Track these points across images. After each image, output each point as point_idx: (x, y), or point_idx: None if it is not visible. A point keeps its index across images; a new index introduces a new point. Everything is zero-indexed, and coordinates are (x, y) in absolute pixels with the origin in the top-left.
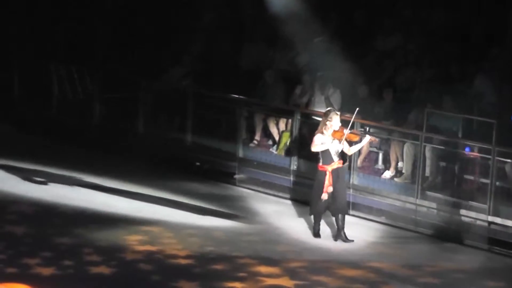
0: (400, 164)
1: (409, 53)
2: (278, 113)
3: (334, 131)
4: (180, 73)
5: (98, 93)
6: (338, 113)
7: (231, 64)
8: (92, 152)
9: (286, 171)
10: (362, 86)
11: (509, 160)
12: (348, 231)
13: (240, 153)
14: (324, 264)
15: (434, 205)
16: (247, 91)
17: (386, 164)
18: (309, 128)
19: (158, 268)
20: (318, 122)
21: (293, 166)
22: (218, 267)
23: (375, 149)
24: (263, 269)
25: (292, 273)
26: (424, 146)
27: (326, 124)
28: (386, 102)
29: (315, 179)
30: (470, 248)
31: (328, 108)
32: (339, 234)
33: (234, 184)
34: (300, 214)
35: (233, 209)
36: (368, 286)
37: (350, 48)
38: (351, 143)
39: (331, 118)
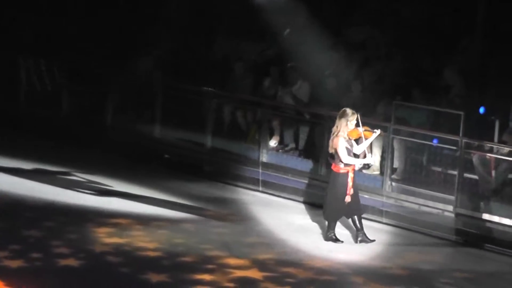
0: (368, 156)
1: (378, 45)
2: (247, 105)
3: (349, 130)
4: (149, 65)
5: (66, 85)
6: (354, 111)
7: (201, 56)
8: (60, 144)
9: (255, 163)
10: (330, 78)
11: (476, 152)
12: (315, 224)
13: (209, 145)
14: (294, 256)
15: (402, 196)
16: (218, 83)
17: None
18: (278, 120)
19: (126, 260)
20: (285, 114)
21: (262, 158)
22: (187, 259)
23: None
24: (232, 261)
25: (261, 265)
26: (392, 138)
27: (346, 125)
28: (354, 94)
29: (333, 182)
30: (437, 239)
31: (344, 108)
32: (361, 235)
33: (203, 176)
34: (270, 206)
35: (202, 201)
36: (337, 277)
37: (319, 40)
38: (357, 141)
39: (352, 117)
